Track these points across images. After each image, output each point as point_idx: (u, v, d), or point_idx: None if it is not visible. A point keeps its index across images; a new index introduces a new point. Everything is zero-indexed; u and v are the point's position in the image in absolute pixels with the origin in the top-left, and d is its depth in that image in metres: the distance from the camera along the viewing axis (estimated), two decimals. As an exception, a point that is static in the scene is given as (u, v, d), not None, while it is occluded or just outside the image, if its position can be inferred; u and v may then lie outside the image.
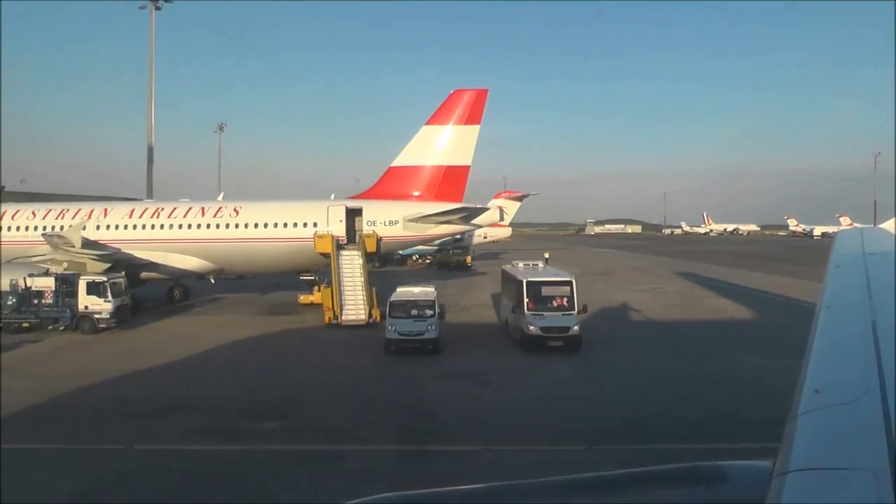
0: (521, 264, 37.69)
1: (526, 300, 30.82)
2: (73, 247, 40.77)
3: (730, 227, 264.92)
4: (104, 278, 38.98)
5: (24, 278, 39.64)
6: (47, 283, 39.36)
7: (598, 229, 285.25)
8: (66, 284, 39.07)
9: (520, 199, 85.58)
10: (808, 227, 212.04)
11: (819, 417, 3.42)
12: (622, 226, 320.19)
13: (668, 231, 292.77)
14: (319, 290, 44.34)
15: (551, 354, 30.75)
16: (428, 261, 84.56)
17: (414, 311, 31.99)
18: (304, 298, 47.59)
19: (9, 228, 49.11)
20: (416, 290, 35.09)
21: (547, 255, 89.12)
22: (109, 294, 38.37)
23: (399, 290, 34.99)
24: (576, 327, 30.29)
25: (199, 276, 47.85)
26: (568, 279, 32.63)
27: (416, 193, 46.97)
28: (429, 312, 31.92)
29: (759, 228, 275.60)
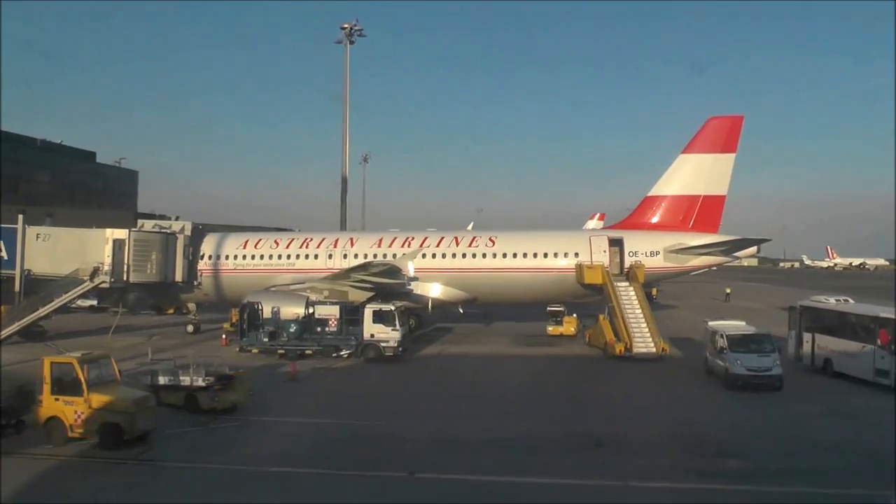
0: (832, 299, 35.91)
1: None
2: (407, 274, 41.80)
3: (856, 261, 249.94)
4: (392, 307, 39.36)
5: (308, 306, 40.78)
6: (332, 312, 40.27)
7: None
8: (351, 313, 39.84)
9: None
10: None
11: None
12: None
13: (786, 265, 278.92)
14: (586, 323, 43.74)
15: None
16: None
17: (753, 346, 31.08)
18: (553, 329, 47.25)
19: (253, 257, 51.05)
20: (730, 323, 34.67)
21: (729, 290, 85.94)
22: (398, 322, 38.73)
23: (712, 323, 34.35)
24: None
25: (451, 306, 48.07)
26: None
27: (672, 223, 46.09)
28: (768, 347, 30.96)
29: (888, 263, 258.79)
